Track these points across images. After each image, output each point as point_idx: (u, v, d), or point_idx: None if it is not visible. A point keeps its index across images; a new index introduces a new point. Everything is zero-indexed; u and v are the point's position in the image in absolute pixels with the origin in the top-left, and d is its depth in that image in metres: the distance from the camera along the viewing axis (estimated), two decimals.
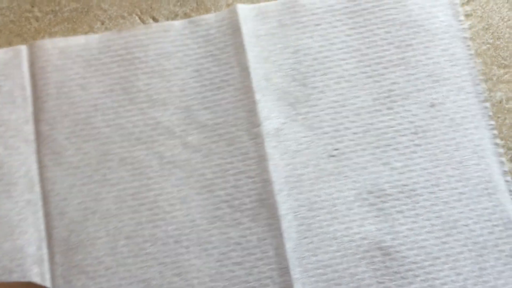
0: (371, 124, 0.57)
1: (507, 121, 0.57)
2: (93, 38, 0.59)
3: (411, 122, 0.57)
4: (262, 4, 0.60)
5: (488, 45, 0.59)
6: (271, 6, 0.60)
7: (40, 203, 0.55)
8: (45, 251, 0.54)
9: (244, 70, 0.57)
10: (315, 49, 0.59)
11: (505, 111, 0.58)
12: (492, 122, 0.56)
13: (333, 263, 0.53)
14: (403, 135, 0.56)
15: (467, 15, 0.60)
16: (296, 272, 0.53)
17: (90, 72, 0.58)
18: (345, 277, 0.53)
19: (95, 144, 0.56)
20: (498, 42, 0.60)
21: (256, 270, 0.53)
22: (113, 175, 0.56)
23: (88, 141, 0.56)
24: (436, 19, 0.59)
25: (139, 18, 0.60)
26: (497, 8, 0.60)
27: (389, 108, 0.57)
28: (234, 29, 0.58)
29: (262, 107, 0.57)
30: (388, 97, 0.57)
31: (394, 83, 0.58)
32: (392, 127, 0.57)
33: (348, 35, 0.59)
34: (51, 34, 0.60)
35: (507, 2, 0.60)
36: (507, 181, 0.55)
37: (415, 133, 0.56)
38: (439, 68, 0.58)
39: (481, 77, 0.58)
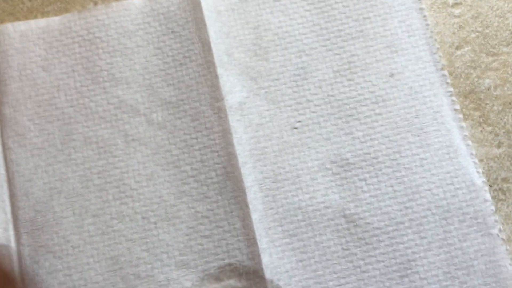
0: (333, 95, 0.58)
1: (495, 107, 0.58)
2: (53, 20, 0.59)
3: (372, 92, 0.58)
4: None
5: (477, 33, 0.61)
6: None
7: (5, 185, 0.55)
8: (11, 232, 0.54)
9: (206, 45, 0.58)
10: (275, 25, 0.59)
11: (493, 98, 0.59)
12: (451, 89, 0.58)
13: (299, 232, 0.54)
14: (364, 105, 0.57)
15: (457, 4, 0.61)
16: (263, 243, 0.53)
17: (52, 54, 0.58)
18: (311, 245, 0.54)
19: (59, 125, 0.56)
20: (487, 31, 0.61)
21: (224, 242, 0.54)
22: (78, 155, 0.56)
23: (52, 122, 0.56)
24: None
25: None
26: None
27: (349, 80, 0.58)
28: (195, 4, 0.59)
29: (224, 81, 0.57)
30: (348, 68, 0.58)
31: (353, 55, 0.59)
32: (353, 97, 0.57)
33: (307, 10, 0.60)
34: (44, 14, 0.60)
35: None
36: (467, 145, 0.56)
37: (376, 103, 0.57)
38: (397, 39, 0.59)
39: (438, 46, 0.59)
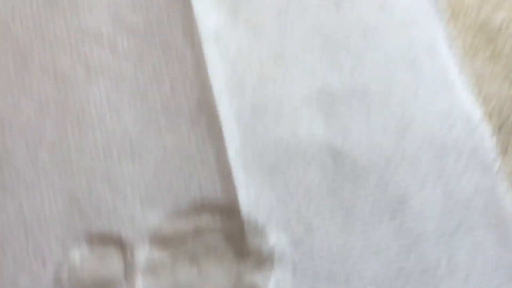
0: (319, 25, 0.53)
1: (507, 45, 0.54)
2: None
3: (360, 23, 0.53)
4: None
5: None
6: None
7: None
8: None
9: None
10: None
11: (506, 35, 0.54)
12: (445, 20, 0.53)
13: (280, 167, 0.49)
14: (352, 36, 0.53)
15: None
16: (239, 178, 0.48)
17: None
18: (293, 182, 0.48)
19: (13, 53, 0.51)
20: None
21: (195, 177, 0.48)
22: (34, 85, 0.50)
23: (6, 51, 0.51)
24: None
25: None
26: None
27: (336, 10, 0.53)
28: None
29: (199, 9, 0.52)
30: None
31: None
32: (341, 27, 0.53)
33: None
34: None
35: None
36: (464, 79, 0.52)
37: (365, 34, 0.53)
38: None
39: None
